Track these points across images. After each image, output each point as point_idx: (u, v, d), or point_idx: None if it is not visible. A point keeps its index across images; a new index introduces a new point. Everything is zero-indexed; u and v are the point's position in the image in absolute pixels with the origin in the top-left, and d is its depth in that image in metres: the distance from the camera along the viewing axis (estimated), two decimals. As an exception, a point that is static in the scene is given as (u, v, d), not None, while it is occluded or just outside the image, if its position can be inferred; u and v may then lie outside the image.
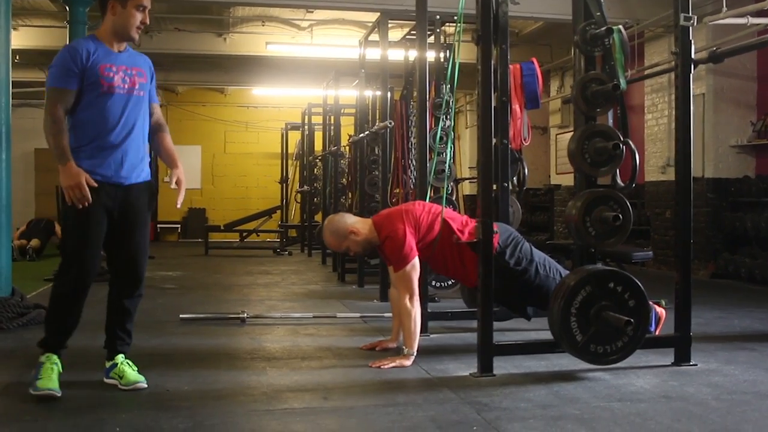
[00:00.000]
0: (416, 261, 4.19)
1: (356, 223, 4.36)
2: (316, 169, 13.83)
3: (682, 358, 4.12)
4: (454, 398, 3.40)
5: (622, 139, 3.86)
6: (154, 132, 3.80)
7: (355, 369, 4.03)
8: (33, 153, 17.31)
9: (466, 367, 3.98)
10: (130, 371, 3.60)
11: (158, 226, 17.86)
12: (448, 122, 7.02)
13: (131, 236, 3.63)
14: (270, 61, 13.77)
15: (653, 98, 10.76)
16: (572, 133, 4.00)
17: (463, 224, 4.40)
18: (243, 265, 11.09)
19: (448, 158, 5.00)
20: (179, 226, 18.37)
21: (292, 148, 16.69)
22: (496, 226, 4.29)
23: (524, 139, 5.21)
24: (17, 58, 12.50)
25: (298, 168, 16.05)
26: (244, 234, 14.38)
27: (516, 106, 5.14)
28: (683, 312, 4.13)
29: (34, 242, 12.76)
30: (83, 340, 4.85)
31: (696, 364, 4.10)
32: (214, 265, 11.28)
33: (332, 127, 11.23)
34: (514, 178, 5.32)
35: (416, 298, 4.17)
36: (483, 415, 3.12)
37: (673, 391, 3.59)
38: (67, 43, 9.89)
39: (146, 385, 3.54)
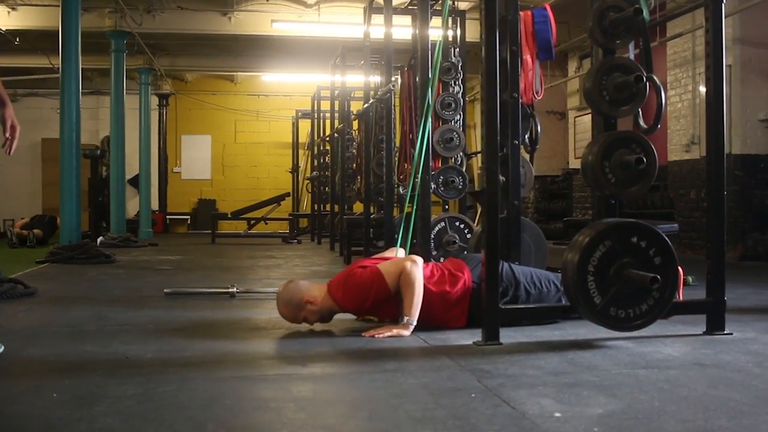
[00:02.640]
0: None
1: (312, 290, 3.79)
2: (327, 157, 13.43)
3: (716, 325, 3.63)
4: (452, 365, 2.95)
5: (645, 73, 3.39)
6: None
7: (345, 338, 3.58)
8: (40, 143, 17.07)
9: (469, 337, 3.51)
10: None
11: (167, 217, 17.55)
12: (456, 88, 6.58)
13: None
14: (277, 42, 13.36)
15: (676, 73, 10.22)
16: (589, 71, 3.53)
17: (431, 272, 3.83)
18: (248, 252, 10.71)
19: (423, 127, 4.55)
20: (189, 217, 18.03)
21: (304, 137, 16.29)
22: (464, 262, 3.88)
23: (536, 93, 4.72)
24: (17, 41, 12.20)
25: (309, 158, 15.65)
26: (252, 222, 13.96)
27: (527, 57, 4.65)
28: (716, 274, 3.64)
29: (37, 231, 12.48)
30: (48, 313, 4.52)
31: (731, 333, 3.62)
32: (218, 251, 10.92)
33: (338, 114, 10.83)
34: (526, 136, 4.84)
35: (420, 264, 3.69)
36: (483, 382, 2.66)
37: (706, 358, 3.11)
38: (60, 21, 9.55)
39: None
